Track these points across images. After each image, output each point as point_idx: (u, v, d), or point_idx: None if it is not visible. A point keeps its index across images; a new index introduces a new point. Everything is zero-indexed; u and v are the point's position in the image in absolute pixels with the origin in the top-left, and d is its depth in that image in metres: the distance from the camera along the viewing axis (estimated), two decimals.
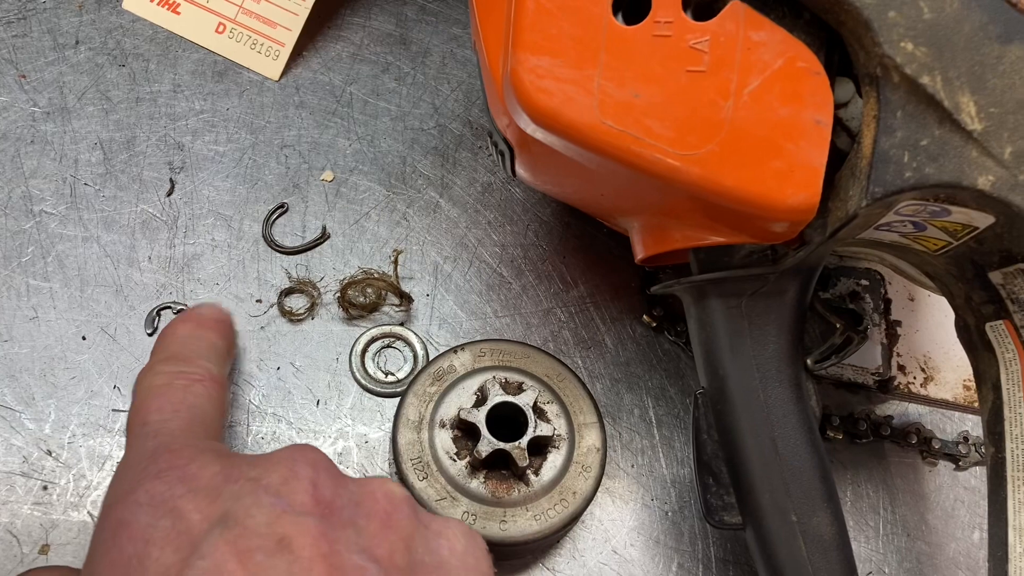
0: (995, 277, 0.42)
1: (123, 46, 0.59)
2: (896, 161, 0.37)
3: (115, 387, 0.49)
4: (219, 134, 0.57)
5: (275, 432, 0.49)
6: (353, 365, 0.51)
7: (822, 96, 0.38)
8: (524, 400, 0.47)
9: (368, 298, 0.52)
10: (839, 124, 0.40)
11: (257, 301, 0.52)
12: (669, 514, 0.51)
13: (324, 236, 0.54)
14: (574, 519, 0.46)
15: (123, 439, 0.48)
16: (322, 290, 0.53)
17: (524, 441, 0.46)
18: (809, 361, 0.47)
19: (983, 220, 0.40)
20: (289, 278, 0.53)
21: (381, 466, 0.50)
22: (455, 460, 0.47)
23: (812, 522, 0.43)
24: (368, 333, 0.52)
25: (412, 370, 0.52)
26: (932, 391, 0.55)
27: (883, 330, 0.56)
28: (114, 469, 0.47)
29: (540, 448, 0.47)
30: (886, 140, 0.37)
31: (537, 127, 0.40)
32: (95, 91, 0.57)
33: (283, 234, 0.54)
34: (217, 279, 0.53)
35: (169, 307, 0.51)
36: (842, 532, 0.44)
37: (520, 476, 0.46)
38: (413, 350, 0.52)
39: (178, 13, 0.60)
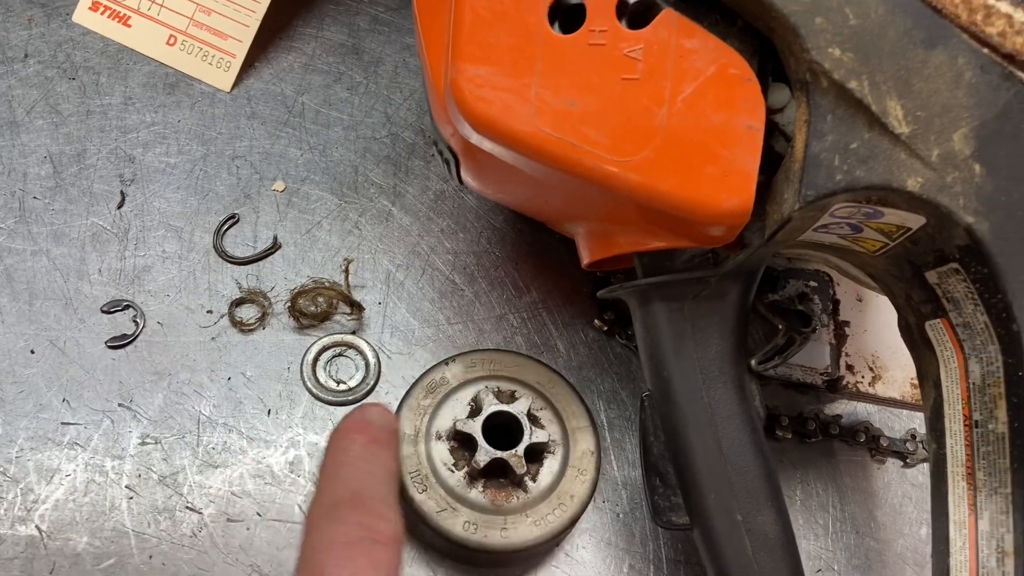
0: (931, 277, 0.43)
1: (73, 59, 0.59)
2: (827, 164, 0.38)
3: (64, 400, 0.49)
4: (170, 146, 0.57)
5: (226, 442, 0.50)
6: (304, 374, 0.51)
7: (754, 102, 0.38)
8: (518, 408, 0.47)
9: (319, 307, 0.52)
10: (776, 129, 0.41)
11: (208, 312, 0.52)
12: (620, 515, 0.51)
13: (275, 246, 0.55)
14: (573, 522, 0.47)
15: (71, 452, 0.48)
16: (273, 300, 0.53)
17: (521, 449, 0.46)
18: (753, 362, 0.47)
19: (915, 221, 0.40)
20: (240, 288, 0.53)
21: None
22: (453, 471, 0.47)
23: (757, 521, 0.44)
24: (319, 342, 0.52)
25: (364, 378, 0.52)
26: (880, 390, 0.56)
27: (831, 330, 0.57)
28: (62, 482, 0.47)
29: (536, 454, 0.48)
30: (817, 144, 0.38)
31: (478, 135, 0.40)
32: (44, 104, 0.57)
33: (234, 245, 0.55)
34: (168, 290, 0.53)
35: (130, 306, 0.51)
36: (787, 530, 0.44)
37: (518, 483, 0.47)
38: (365, 358, 0.52)
39: (129, 26, 0.60)
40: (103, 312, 0.51)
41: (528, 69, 0.39)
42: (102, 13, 0.61)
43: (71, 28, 0.60)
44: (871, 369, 0.56)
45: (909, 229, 0.41)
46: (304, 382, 0.51)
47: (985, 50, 0.39)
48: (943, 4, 0.39)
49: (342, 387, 0.52)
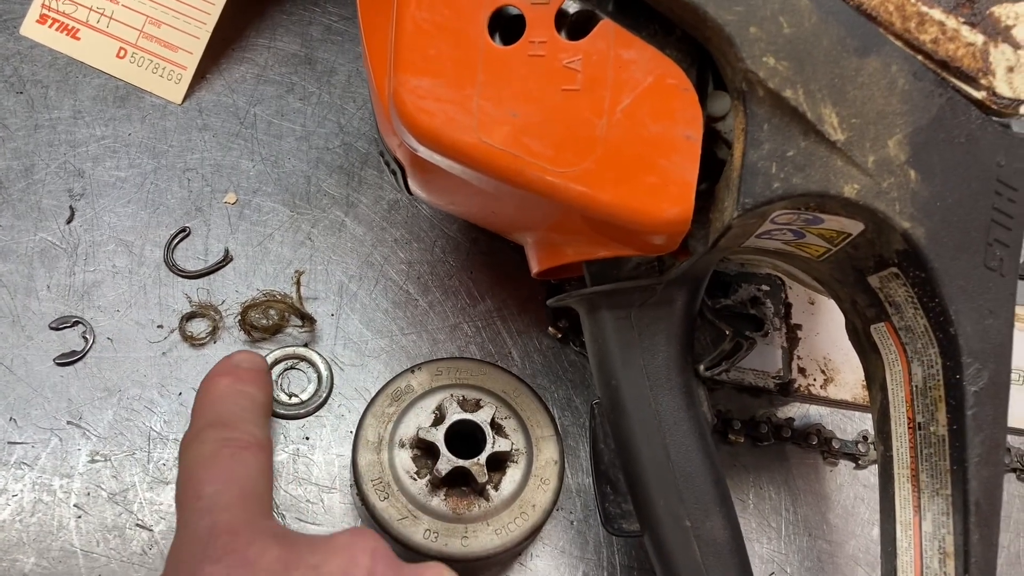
0: (873, 281, 0.43)
1: (21, 73, 0.58)
2: (764, 172, 0.38)
3: (11, 419, 0.49)
4: (120, 159, 0.57)
5: (177, 458, 0.49)
6: None
7: (692, 112, 0.39)
8: (481, 417, 0.47)
9: (270, 320, 0.52)
10: (718, 137, 0.41)
11: (158, 327, 0.52)
12: (574, 523, 0.51)
13: (226, 259, 0.54)
14: (535, 531, 0.47)
15: (18, 471, 0.48)
16: (224, 313, 0.53)
17: (483, 457, 0.46)
18: (701, 367, 0.47)
19: (854, 227, 0.41)
20: (190, 302, 0.53)
21: (286, 488, 0.50)
22: (415, 479, 0.47)
23: (706, 526, 0.44)
24: (271, 355, 0.52)
25: (316, 391, 0.52)
26: (832, 392, 0.56)
27: (784, 334, 0.57)
28: (8, 503, 0.47)
29: (499, 463, 0.48)
30: (754, 152, 0.38)
31: (422, 147, 0.40)
32: None
33: (185, 258, 0.54)
34: (118, 306, 0.52)
35: (79, 322, 0.51)
36: (736, 535, 0.45)
37: (480, 492, 0.47)
38: (317, 371, 0.52)
39: (78, 39, 0.60)
40: (51, 329, 0.51)
41: (469, 80, 0.39)
42: (50, 26, 0.60)
43: (19, 41, 0.59)
44: (823, 372, 0.57)
45: (849, 235, 0.42)
46: None
47: (919, 57, 0.39)
48: (877, 11, 0.39)
49: (295, 400, 0.51)
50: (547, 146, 0.39)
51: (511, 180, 0.40)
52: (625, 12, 0.40)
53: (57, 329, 0.51)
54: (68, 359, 0.50)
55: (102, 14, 0.60)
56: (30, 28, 0.60)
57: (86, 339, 0.51)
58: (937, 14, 0.39)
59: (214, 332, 0.52)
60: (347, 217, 0.57)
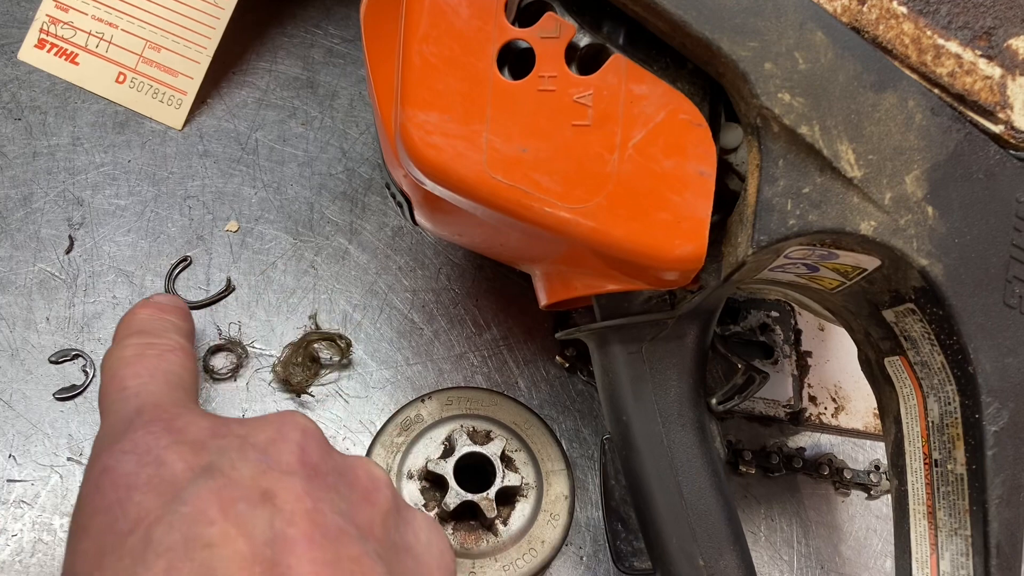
0: (888, 316, 0.43)
1: (19, 99, 0.58)
2: (780, 209, 0.38)
3: (10, 456, 0.48)
4: (120, 187, 0.56)
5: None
6: None
7: (705, 147, 0.38)
8: (492, 450, 0.47)
9: (307, 371, 0.51)
10: (730, 169, 0.41)
11: None
12: (584, 559, 0.51)
13: (229, 289, 0.53)
14: (543, 568, 0.46)
15: (18, 510, 0.47)
16: (249, 351, 0.52)
17: (492, 492, 0.46)
18: (713, 401, 0.47)
19: (870, 263, 0.40)
20: (219, 335, 0.52)
21: None
22: (423, 512, 0.46)
23: (719, 565, 0.43)
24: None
25: None
26: (843, 421, 0.55)
27: (793, 361, 0.56)
28: (7, 543, 0.46)
29: (508, 497, 0.47)
30: (769, 189, 0.38)
31: (429, 181, 0.40)
32: None
33: (187, 288, 0.53)
34: None
35: (79, 355, 0.50)
36: (750, 574, 0.44)
37: (488, 527, 0.46)
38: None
39: (76, 63, 0.59)
40: (51, 362, 0.50)
41: (478, 115, 0.39)
42: (49, 51, 0.59)
43: (16, 66, 0.58)
44: (834, 400, 0.56)
45: (865, 270, 0.41)
46: None
47: (935, 91, 0.39)
48: (893, 44, 0.39)
49: None
50: (557, 182, 0.38)
51: (520, 216, 0.39)
52: (636, 45, 0.39)
53: (56, 363, 0.50)
54: (68, 394, 0.49)
55: (101, 38, 0.59)
56: (28, 53, 0.59)
57: (86, 372, 0.50)
58: (954, 47, 0.39)
59: (237, 369, 0.51)
60: (351, 245, 0.56)
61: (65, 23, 0.59)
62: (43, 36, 0.59)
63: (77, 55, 0.59)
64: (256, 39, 0.62)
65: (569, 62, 0.39)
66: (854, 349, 0.54)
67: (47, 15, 0.59)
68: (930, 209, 0.38)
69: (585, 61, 0.39)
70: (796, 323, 0.57)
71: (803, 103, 0.37)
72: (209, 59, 0.59)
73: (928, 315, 0.40)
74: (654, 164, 0.38)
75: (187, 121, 0.59)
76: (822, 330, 0.58)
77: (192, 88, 0.59)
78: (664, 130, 0.38)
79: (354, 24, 0.63)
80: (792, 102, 0.37)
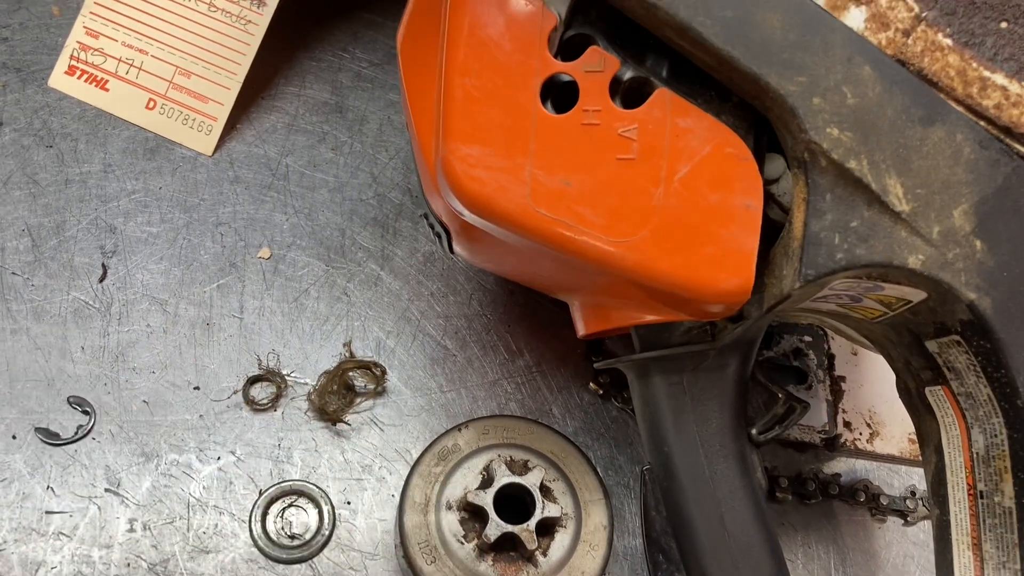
0: (931, 346, 0.42)
1: (50, 126, 0.58)
2: (827, 243, 0.37)
3: (48, 487, 0.48)
4: (152, 214, 0.56)
5: (217, 525, 0.48)
6: (254, 531, 0.49)
7: (751, 181, 0.38)
8: (531, 480, 0.46)
9: (342, 399, 0.51)
10: (771, 199, 0.40)
11: (195, 388, 0.51)
12: None
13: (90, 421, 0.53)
14: None
15: (57, 543, 0.47)
16: (288, 381, 0.52)
17: (532, 523, 0.45)
18: (753, 431, 0.46)
19: (916, 295, 0.40)
20: (259, 365, 0.52)
21: (328, 555, 0.49)
22: (463, 543, 0.46)
23: None
24: (266, 493, 0.50)
25: (319, 529, 0.50)
26: (879, 446, 0.55)
27: (827, 386, 0.56)
28: None
29: (548, 528, 0.47)
30: (816, 223, 0.37)
31: (472, 214, 0.40)
32: (22, 175, 0.56)
33: (220, 315, 0.53)
34: (153, 367, 0.51)
35: (80, 404, 0.50)
36: None
37: (528, 558, 0.46)
38: (318, 506, 0.50)
39: (107, 90, 0.59)
40: (69, 403, 0.50)
41: (521, 149, 0.39)
42: (79, 77, 0.59)
43: (47, 93, 0.58)
44: (868, 425, 0.56)
45: (910, 302, 0.41)
46: (254, 539, 0.49)
47: (981, 123, 0.39)
48: (939, 77, 0.38)
49: (296, 542, 0.49)
50: (602, 215, 0.38)
51: (564, 249, 0.39)
52: (680, 78, 0.39)
53: (71, 405, 0.50)
54: (51, 440, 0.49)
55: (131, 65, 0.59)
56: (59, 80, 0.59)
57: (79, 428, 0.49)
58: (1000, 79, 0.39)
59: (277, 399, 0.51)
60: (383, 271, 0.56)
61: (95, 50, 0.59)
62: (73, 63, 0.59)
63: (107, 81, 0.59)
64: (284, 63, 0.62)
65: (613, 95, 0.38)
66: (888, 373, 0.54)
67: (77, 42, 0.59)
68: (978, 243, 0.38)
69: (629, 94, 0.39)
70: (829, 347, 0.57)
71: (851, 137, 0.37)
72: (239, 85, 0.59)
73: (975, 347, 0.40)
74: (700, 198, 0.38)
75: (217, 147, 0.59)
76: (855, 354, 0.58)
77: (222, 114, 0.59)
78: (710, 164, 0.38)
79: (381, 47, 0.63)
80: (841, 137, 0.37)
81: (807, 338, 0.57)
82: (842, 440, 0.55)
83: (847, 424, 0.56)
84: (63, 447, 0.49)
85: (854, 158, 0.37)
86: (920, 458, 0.55)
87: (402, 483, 0.48)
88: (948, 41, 0.39)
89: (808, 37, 0.36)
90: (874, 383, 0.57)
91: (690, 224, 0.38)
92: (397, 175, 0.60)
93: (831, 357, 0.57)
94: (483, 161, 0.39)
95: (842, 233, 0.37)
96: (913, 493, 0.55)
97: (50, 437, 0.49)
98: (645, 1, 0.36)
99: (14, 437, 0.49)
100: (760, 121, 0.39)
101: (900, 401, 0.48)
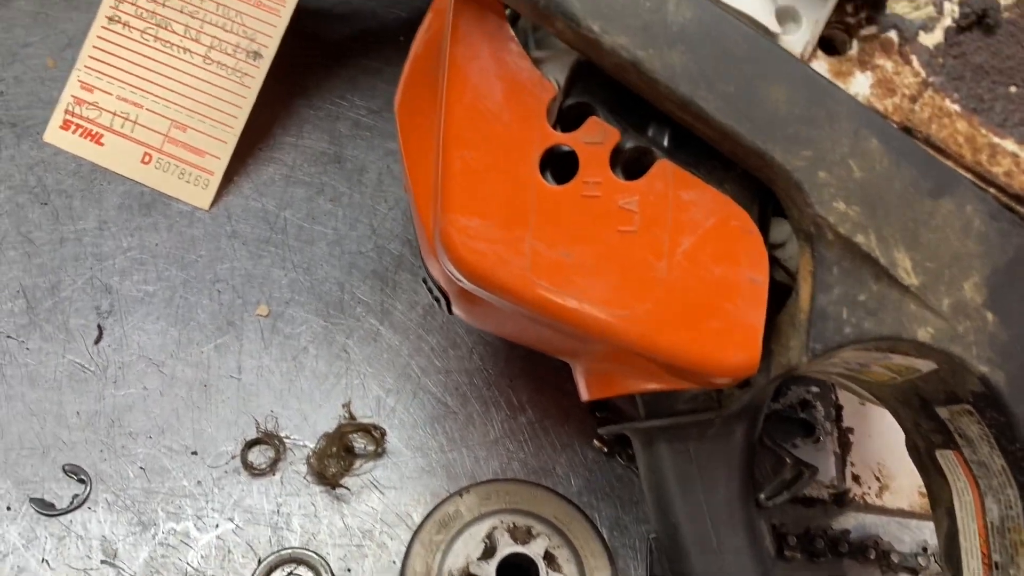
0: (942, 412, 0.42)
1: (45, 182, 0.57)
2: (835, 317, 0.37)
3: (43, 560, 0.47)
4: (148, 272, 0.55)
5: None
6: None
7: (756, 254, 0.37)
8: (534, 550, 0.46)
9: (342, 461, 0.50)
10: (777, 263, 0.40)
11: (192, 453, 0.50)
12: None
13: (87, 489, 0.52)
14: None
15: None
16: (287, 444, 0.51)
17: None
18: (762, 497, 0.46)
19: (926, 365, 0.39)
20: (257, 428, 0.51)
21: None
22: None
23: None
24: (265, 562, 0.48)
25: None
26: (888, 500, 0.54)
27: (835, 438, 0.55)
28: None
29: None
30: (824, 297, 0.36)
31: (471, 284, 0.39)
32: (16, 233, 0.55)
33: (218, 377, 0.53)
34: (150, 432, 0.51)
35: (76, 472, 0.49)
36: None
37: None
38: (318, 575, 0.49)
39: (102, 144, 0.59)
40: (63, 471, 0.49)
41: (521, 221, 0.38)
42: (74, 131, 0.59)
43: (42, 149, 0.58)
44: (878, 479, 0.55)
45: (919, 371, 0.40)
46: None
47: (991, 190, 0.38)
48: (947, 144, 0.38)
49: None
50: (603, 288, 0.37)
51: (565, 321, 0.38)
52: (682, 148, 0.38)
53: (66, 474, 0.49)
54: (46, 510, 0.48)
55: (126, 119, 0.58)
56: (53, 134, 0.59)
57: (75, 498, 0.48)
58: (1010, 145, 0.38)
59: (275, 463, 0.50)
60: (382, 326, 0.56)
61: (90, 103, 0.59)
62: (68, 117, 0.59)
63: (102, 136, 0.59)
64: (282, 111, 0.62)
65: (613, 165, 0.38)
66: (896, 424, 0.53)
67: (72, 96, 0.59)
68: (990, 315, 0.37)
69: (630, 164, 0.38)
70: (837, 398, 0.56)
71: (859, 212, 0.36)
72: (236, 138, 0.58)
73: (987, 419, 0.39)
74: (704, 271, 0.37)
75: (214, 201, 0.58)
76: (863, 404, 0.57)
77: (219, 168, 0.58)
78: (714, 237, 0.37)
79: (380, 94, 0.63)
80: (848, 211, 0.36)
81: (814, 389, 0.56)
82: (851, 495, 0.54)
83: (856, 478, 0.55)
84: (58, 517, 0.48)
85: (862, 232, 0.36)
86: (930, 511, 0.54)
87: (403, 549, 0.47)
88: (956, 107, 0.38)
89: (813, 110, 0.36)
90: (882, 434, 0.56)
91: (694, 298, 0.37)
92: (396, 226, 0.59)
93: (838, 408, 0.56)
94: (483, 233, 0.38)
95: (850, 307, 0.37)
96: (924, 549, 0.54)
97: (45, 508, 0.48)
98: (646, 76, 0.36)
99: (8, 508, 0.48)
100: (764, 188, 0.38)
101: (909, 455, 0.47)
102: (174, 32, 0.58)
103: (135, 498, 0.49)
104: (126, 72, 0.58)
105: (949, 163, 0.37)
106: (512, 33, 0.39)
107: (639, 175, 0.38)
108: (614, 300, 0.37)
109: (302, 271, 0.56)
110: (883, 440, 0.56)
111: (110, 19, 0.58)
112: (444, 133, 0.39)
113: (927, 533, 0.55)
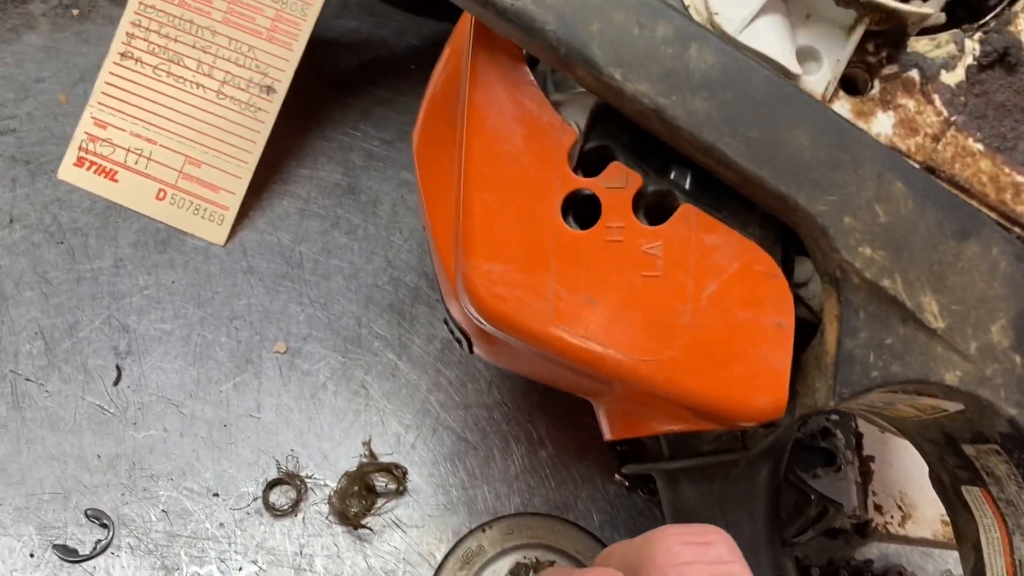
0: (969, 450, 0.41)
1: (60, 220, 0.57)
2: (861, 361, 0.36)
3: None
4: (165, 311, 0.55)
5: None
6: None
7: (781, 299, 0.37)
8: None
9: (364, 502, 0.50)
10: (800, 301, 0.39)
11: (214, 495, 0.50)
12: None
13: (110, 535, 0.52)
14: None
15: None
16: (309, 484, 0.51)
17: None
18: (786, 535, 0.45)
19: (952, 406, 0.39)
20: (278, 469, 0.51)
21: None
22: None
23: None
24: None
25: None
26: (911, 529, 0.54)
27: (856, 467, 0.55)
28: None
29: None
30: (850, 341, 0.36)
31: (493, 328, 0.39)
32: (33, 273, 0.55)
33: (237, 416, 0.52)
34: (171, 474, 0.51)
35: (98, 517, 0.49)
36: None
37: None
38: None
39: (116, 180, 0.59)
40: (86, 516, 0.49)
41: (543, 265, 0.38)
42: (88, 168, 0.59)
43: (56, 187, 0.58)
44: (900, 508, 0.55)
45: (946, 411, 0.40)
46: None
47: (1016, 229, 0.38)
48: (970, 183, 0.37)
49: None
50: (628, 333, 0.37)
51: (589, 365, 0.38)
52: (704, 190, 0.38)
53: (88, 518, 0.49)
54: (70, 556, 0.48)
55: (140, 155, 0.58)
56: (67, 172, 0.59)
57: (97, 543, 0.48)
58: None
59: (297, 504, 0.50)
60: (400, 360, 0.55)
61: (104, 140, 0.59)
62: (82, 154, 0.59)
63: (116, 172, 0.59)
64: (295, 144, 0.62)
65: (636, 210, 0.38)
66: (917, 453, 0.53)
67: (86, 132, 0.59)
68: (1018, 358, 0.37)
69: (652, 207, 0.38)
70: (857, 426, 0.56)
71: (884, 256, 0.36)
72: (251, 173, 0.58)
73: (1016, 460, 0.39)
74: (729, 316, 0.37)
75: (230, 236, 0.58)
76: (883, 433, 0.57)
77: (234, 203, 0.58)
78: (739, 281, 0.37)
79: (393, 124, 0.63)
80: (873, 256, 0.36)
81: (834, 417, 0.56)
82: (873, 524, 0.53)
83: (878, 507, 0.54)
84: (81, 563, 0.48)
85: (888, 277, 0.36)
86: (954, 541, 0.54)
87: None
88: (979, 146, 0.38)
89: (837, 154, 0.35)
90: (904, 462, 0.56)
91: (719, 343, 0.37)
92: (412, 258, 0.59)
93: (859, 436, 0.56)
94: (505, 278, 0.38)
95: (877, 351, 0.36)
96: None
97: (68, 554, 0.48)
98: (668, 123, 0.35)
99: (32, 555, 0.48)
100: (787, 229, 0.38)
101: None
102: (187, 67, 0.58)
103: (158, 542, 0.49)
104: (139, 108, 0.58)
105: (973, 202, 0.37)
106: (531, 77, 0.39)
107: (661, 218, 0.37)
108: (639, 345, 0.37)
109: (319, 306, 0.56)
110: (904, 469, 0.56)
111: (122, 55, 0.58)
112: (464, 177, 0.39)
113: (951, 562, 0.54)
